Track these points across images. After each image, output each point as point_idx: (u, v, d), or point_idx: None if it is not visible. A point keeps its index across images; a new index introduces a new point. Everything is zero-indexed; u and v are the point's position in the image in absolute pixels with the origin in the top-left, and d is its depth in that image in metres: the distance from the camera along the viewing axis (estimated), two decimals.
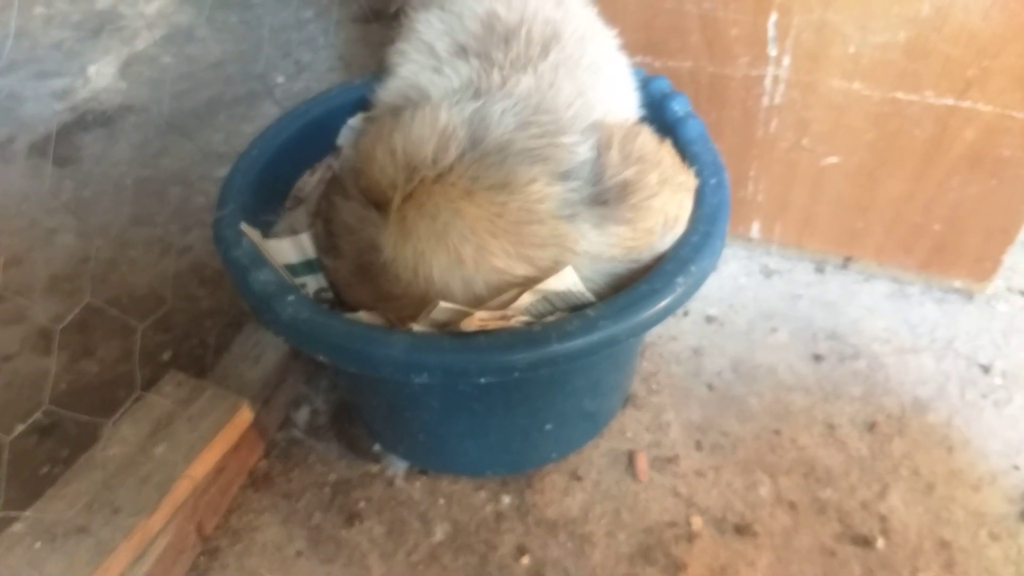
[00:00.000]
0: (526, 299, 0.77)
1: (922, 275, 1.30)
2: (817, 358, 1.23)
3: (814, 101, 1.12)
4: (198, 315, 1.34)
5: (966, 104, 1.04)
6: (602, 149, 0.82)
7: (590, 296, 0.79)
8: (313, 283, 0.94)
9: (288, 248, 0.94)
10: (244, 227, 0.88)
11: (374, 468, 1.09)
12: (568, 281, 0.77)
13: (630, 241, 0.81)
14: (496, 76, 0.84)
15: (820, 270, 1.37)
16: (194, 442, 0.94)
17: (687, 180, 0.87)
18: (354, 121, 1.13)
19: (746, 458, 1.09)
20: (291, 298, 0.79)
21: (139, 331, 0.97)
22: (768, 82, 1.13)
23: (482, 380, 0.75)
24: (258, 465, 1.09)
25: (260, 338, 1.12)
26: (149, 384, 1.08)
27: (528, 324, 0.77)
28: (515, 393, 0.89)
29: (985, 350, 1.22)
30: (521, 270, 0.77)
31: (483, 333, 0.75)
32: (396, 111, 0.91)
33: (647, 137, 0.84)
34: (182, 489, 0.92)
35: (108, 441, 0.95)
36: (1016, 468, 1.07)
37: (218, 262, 1.54)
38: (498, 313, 0.77)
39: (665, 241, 0.84)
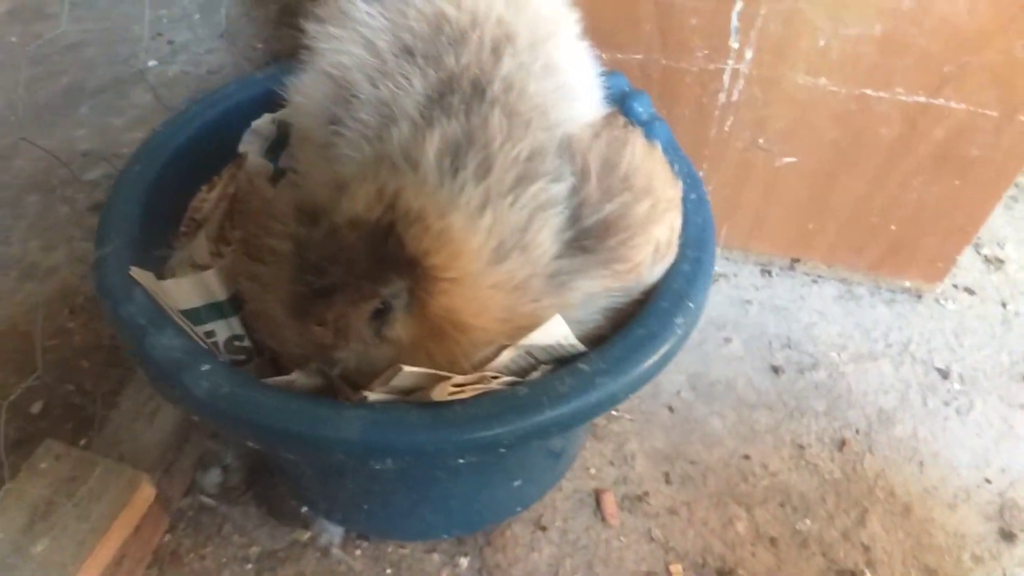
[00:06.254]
0: (507, 355, 0.64)
1: (871, 276, 1.25)
2: (775, 370, 1.15)
3: (775, 98, 1.03)
4: (72, 353, 1.12)
5: (938, 102, 0.98)
6: (579, 179, 0.69)
7: (581, 347, 0.66)
8: (223, 330, 0.77)
9: (189, 289, 0.75)
10: (135, 272, 0.69)
11: (303, 535, 0.93)
12: (557, 334, 0.64)
13: (617, 280, 0.69)
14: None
15: (767, 272, 1.30)
16: (85, 535, 0.76)
17: (675, 194, 0.76)
18: (259, 123, 0.96)
19: (718, 489, 1.00)
20: (206, 367, 0.62)
21: (3, 408, 0.76)
22: (727, 77, 1.03)
23: (461, 461, 0.61)
24: (162, 541, 0.91)
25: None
26: (14, 447, 0.88)
27: (512, 386, 0.63)
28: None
29: (941, 353, 1.19)
30: (498, 328, 0.64)
31: (459, 402, 0.61)
32: (323, 120, 0.75)
33: (634, 151, 0.72)
34: None
35: None
36: (988, 481, 1.03)
37: (91, 286, 1.33)
38: (475, 375, 0.63)
39: (655, 272, 0.72)
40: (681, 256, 0.74)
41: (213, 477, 0.96)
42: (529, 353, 0.65)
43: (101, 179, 1.43)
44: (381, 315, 0.62)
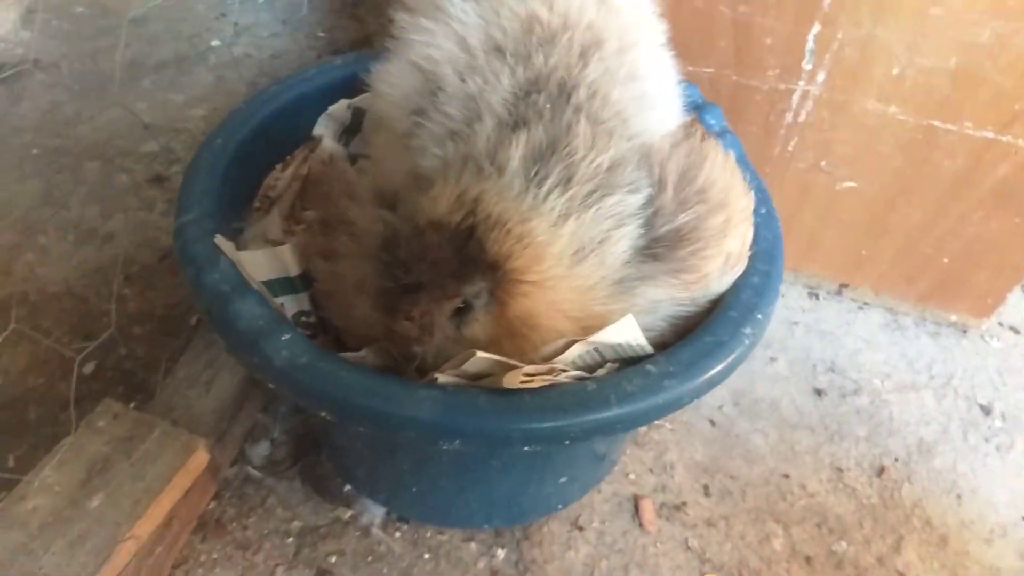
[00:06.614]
0: (576, 350, 0.65)
1: (918, 307, 1.25)
2: (819, 392, 1.16)
3: (843, 122, 1.04)
4: (126, 320, 1.14)
5: (1006, 138, 0.98)
6: (655, 189, 0.70)
7: (649, 348, 0.67)
8: (292, 305, 0.78)
9: (264, 262, 0.77)
10: (219, 240, 0.71)
11: (345, 513, 0.94)
12: (628, 334, 0.65)
13: (684, 290, 0.70)
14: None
15: (814, 295, 1.30)
16: (140, 494, 0.77)
17: (748, 204, 0.76)
18: (335, 108, 0.98)
19: (756, 506, 1.01)
20: (286, 337, 0.64)
21: (76, 363, 0.78)
22: (796, 97, 1.04)
23: (526, 449, 0.62)
24: (208, 508, 0.93)
25: (212, 358, 0.95)
26: (66, 405, 0.89)
27: (580, 380, 0.64)
28: None
29: (983, 389, 1.18)
30: (568, 325, 0.65)
31: (528, 392, 0.62)
32: (406, 109, 0.76)
33: (713, 163, 0.73)
34: (125, 552, 0.75)
35: (29, 489, 0.77)
36: None
37: (147, 255, 1.35)
38: (545, 367, 0.64)
39: (724, 282, 0.73)
40: (752, 269, 0.75)
41: (261, 450, 0.98)
42: (597, 350, 0.66)
43: (160, 152, 1.46)
44: (462, 313, 0.63)
